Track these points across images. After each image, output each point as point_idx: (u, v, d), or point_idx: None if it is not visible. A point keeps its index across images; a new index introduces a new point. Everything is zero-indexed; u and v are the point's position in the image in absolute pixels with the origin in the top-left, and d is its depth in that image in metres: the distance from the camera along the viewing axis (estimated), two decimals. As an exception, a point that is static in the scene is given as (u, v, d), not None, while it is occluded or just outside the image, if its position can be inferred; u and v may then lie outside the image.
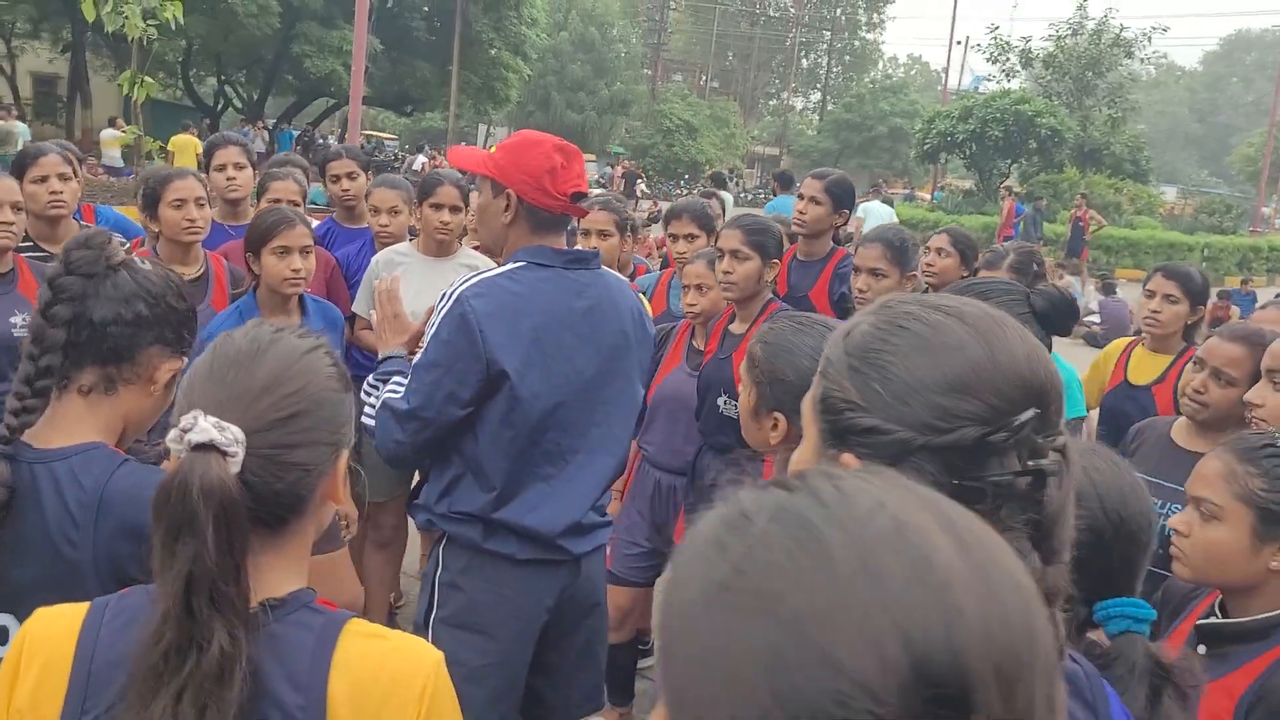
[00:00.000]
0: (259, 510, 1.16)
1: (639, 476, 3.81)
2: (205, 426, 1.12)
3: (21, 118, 24.14)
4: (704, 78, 61.30)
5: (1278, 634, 1.72)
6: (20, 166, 3.58)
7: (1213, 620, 1.83)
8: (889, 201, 17.28)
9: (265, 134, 27.93)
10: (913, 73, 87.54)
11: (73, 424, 1.57)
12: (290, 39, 27.27)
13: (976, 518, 0.61)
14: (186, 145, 18.11)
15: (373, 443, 2.51)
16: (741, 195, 50.32)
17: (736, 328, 3.60)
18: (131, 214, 4.55)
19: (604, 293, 2.55)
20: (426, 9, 32.03)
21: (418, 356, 2.44)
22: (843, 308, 4.10)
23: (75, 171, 3.70)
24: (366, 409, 2.45)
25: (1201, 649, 1.81)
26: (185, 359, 1.65)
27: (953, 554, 0.57)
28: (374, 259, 3.95)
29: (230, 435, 1.12)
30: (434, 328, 2.41)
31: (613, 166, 35.94)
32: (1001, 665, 0.54)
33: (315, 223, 4.19)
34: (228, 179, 4.22)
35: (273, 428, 1.17)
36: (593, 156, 37.20)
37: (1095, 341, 12.11)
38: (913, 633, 0.54)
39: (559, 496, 2.49)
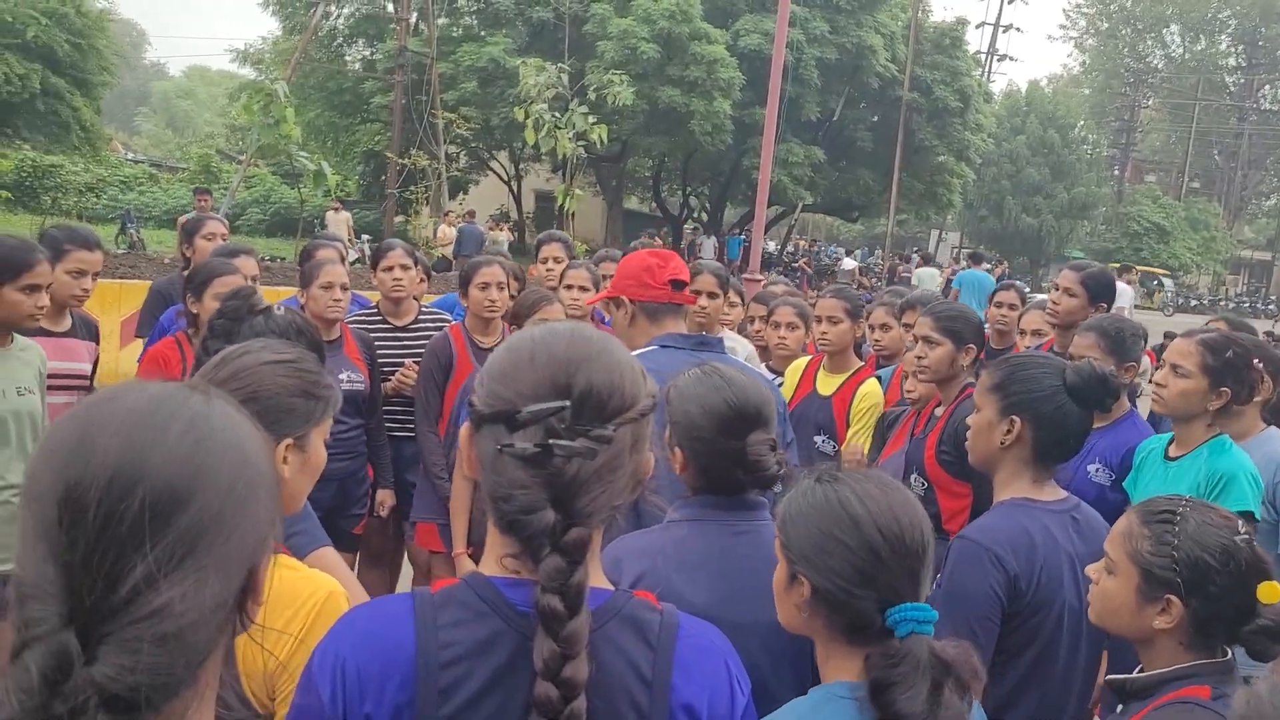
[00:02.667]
0: None
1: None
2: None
3: (515, 229, 28.30)
4: (1182, 178, 56.47)
5: (1160, 690, 1.77)
6: (375, 259, 4.62)
7: (1119, 676, 1.89)
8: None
9: (715, 240, 30.39)
10: None
11: None
12: (742, 154, 29.49)
13: (221, 422, 0.93)
14: (639, 251, 20.44)
15: None
16: (1225, 304, 45.45)
17: (939, 411, 3.70)
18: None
19: None
20: (874, 119, 33.10)
21: None
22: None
23: (416, 262, 4.69)
24: None
25: (1119, 707, 1.86)
26: None
27: (113, 422, 0.87)
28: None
29: None
30: None
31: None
32: (106, 481, 0.83)
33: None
34: (547, 270, 5.14)
35: None
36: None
37: None
38: (56, 457, 0.85)
39: None
